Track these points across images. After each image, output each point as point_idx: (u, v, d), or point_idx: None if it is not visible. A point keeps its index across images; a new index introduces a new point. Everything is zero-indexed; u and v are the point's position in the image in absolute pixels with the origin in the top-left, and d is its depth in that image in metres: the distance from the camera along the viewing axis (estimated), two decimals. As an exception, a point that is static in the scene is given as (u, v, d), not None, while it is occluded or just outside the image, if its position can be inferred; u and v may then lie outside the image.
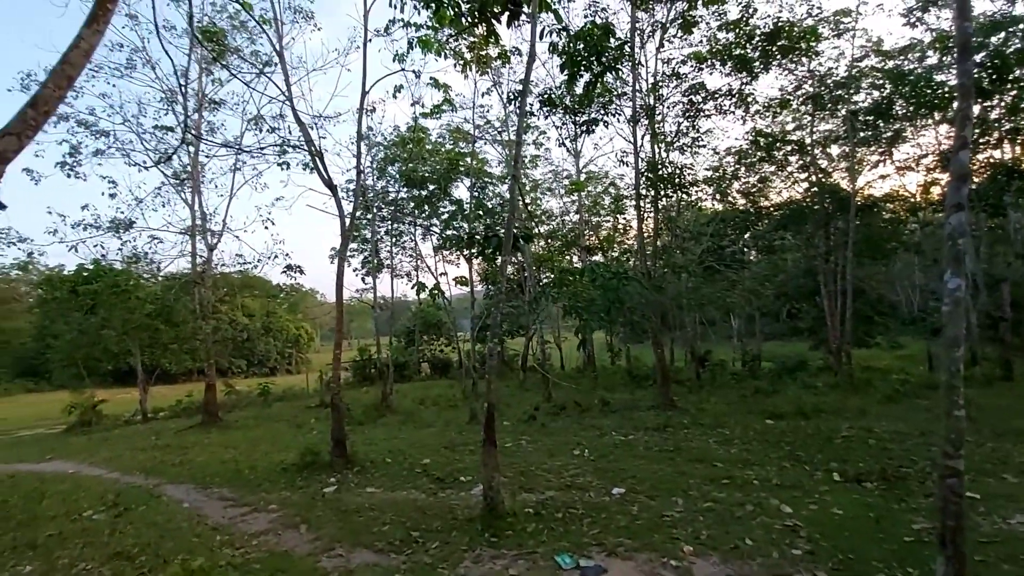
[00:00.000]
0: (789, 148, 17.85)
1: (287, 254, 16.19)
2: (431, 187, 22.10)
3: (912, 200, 19.50)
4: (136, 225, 15.52)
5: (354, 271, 27.91)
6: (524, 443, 10.19)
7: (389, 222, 24.05)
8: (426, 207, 23.80)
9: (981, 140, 15.88)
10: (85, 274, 16.86)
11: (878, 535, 5.26)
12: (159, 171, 15.43)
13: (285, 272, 15.05)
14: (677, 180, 12.51)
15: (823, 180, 17.55)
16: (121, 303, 16.33)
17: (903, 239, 20.89)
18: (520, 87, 10.62)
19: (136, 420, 17.47)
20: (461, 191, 27.04)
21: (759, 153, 19.44)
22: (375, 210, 22.81)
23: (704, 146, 13.30)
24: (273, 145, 11.62)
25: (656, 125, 12.33)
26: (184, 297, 15.88)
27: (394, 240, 26.65)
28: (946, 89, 13.48)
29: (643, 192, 12.69)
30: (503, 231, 6.68)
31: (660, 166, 12.46)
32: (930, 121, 18.03)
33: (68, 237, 14.58)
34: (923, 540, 5.10)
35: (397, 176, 21.58)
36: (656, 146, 12.59)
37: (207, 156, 16.27)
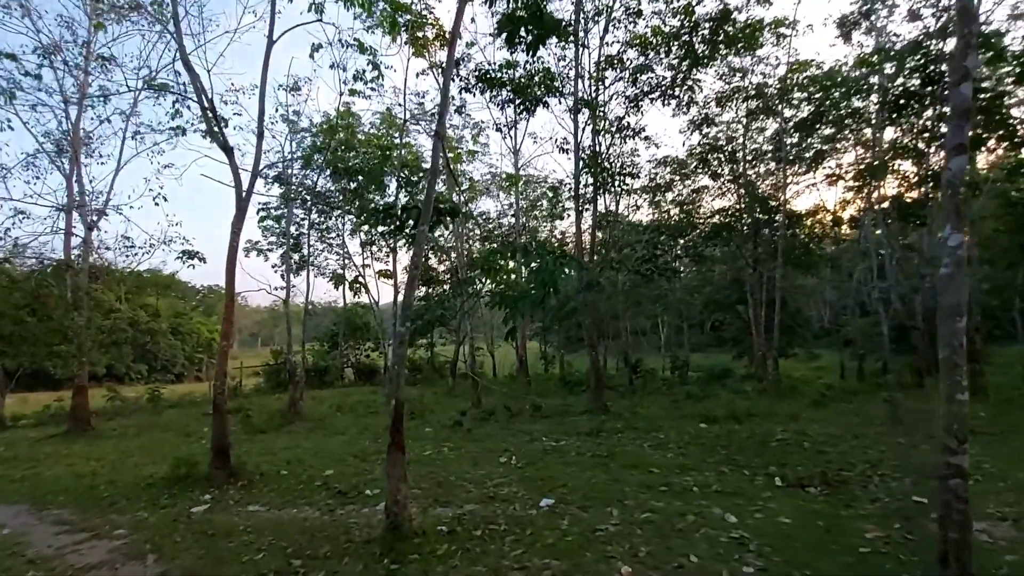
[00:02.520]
0: (723, 156, 18.09)
1: (185, 239, 14.11)
2: (360, 179, 20.65)
3: (832, 214, 20.37)
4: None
5: (273, 267, 25.72)
6: (446, 450, 9.15)
7: (314, 212, 22.28)
8: (356, 201, 22.26)
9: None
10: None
11: (831, 546, 4.70)
12: (31, 134, 13.15)
13: (180, 259, 13.11)
14: (618, 172, 12.05)
15: (754, 191, 17.89)
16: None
17: (821, 254, 21.78)
18: (457, 59, 9.85)
19: (-11, 428, 14.70)
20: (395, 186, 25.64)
21: (693, 162, 19.66)
22: (299, 202, 21.05)
23: (647, 137, 12.95)
24: (150, 88, 9.92)
25: (598, 115, 11.83)
26: (49, 284, 13.48)
27: (320, 236, 24.82)
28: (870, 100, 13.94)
29: (583, 184, 12.15)
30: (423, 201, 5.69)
31: (601, 158, 11.95)
32: (850, 140, 18.92)
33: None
34: (880, 551, 4.58)
35: (323, 165, 19.95)
36: (598, 137, 12.05)
37: (95, 116, 14.02)
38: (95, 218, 13.37)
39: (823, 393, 12.57)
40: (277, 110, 16.24)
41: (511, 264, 7.08)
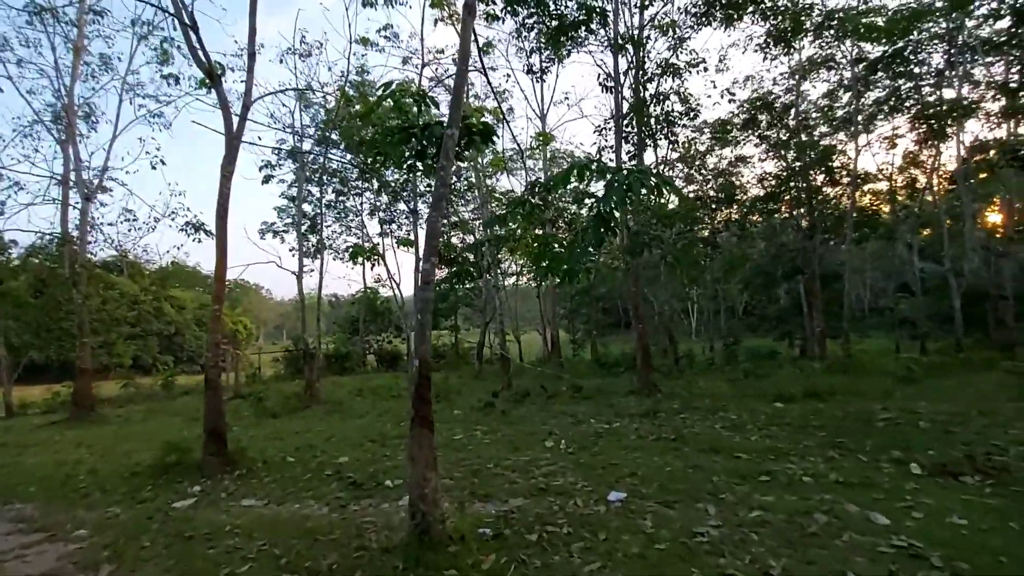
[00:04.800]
0: (772, 115, 16.28)
1: (189, 209, 13.06)
2: (376, 154, 19.38)
3: (903, 173, 18.33)
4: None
5: (291, 250, 24.72)
6: (479, 434, 7.84)
7: (330, 192, 21.22)
8: (372, 179, 21.09)
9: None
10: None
11: (1056, 561, 3.23)
12: (20, 95, 12.19)
13: (184, 231, 12.07)
14: (667, 117, 10.45)
15: (812, 149, 15.96)
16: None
17: (885, 221, 19.79)
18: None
19: (-3, 417, 13.99)
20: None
21: (738, 124, 17.82)
22: (314, 180, 20.04)
23: (704, 68, 11.18)
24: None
25: (643, 46, 10.18)
26: (53, 260, 12.55)
27: (337, 216, 23.76)
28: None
29: (626, 131, 10.56)
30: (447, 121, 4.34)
31: (648, 101, 10.34)
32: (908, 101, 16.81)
33: None
34: None
35: (337, 140, 18.77)
36: (642, 81, 10.39)
37: (93, 82, 13.04)
38: (92, 187, 12.36)
39: (909, 368, 10.88)
40: (282, 57, 14.74)
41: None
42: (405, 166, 5.77)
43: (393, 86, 5.47)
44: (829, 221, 17.20)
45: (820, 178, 16.86)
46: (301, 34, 15.90)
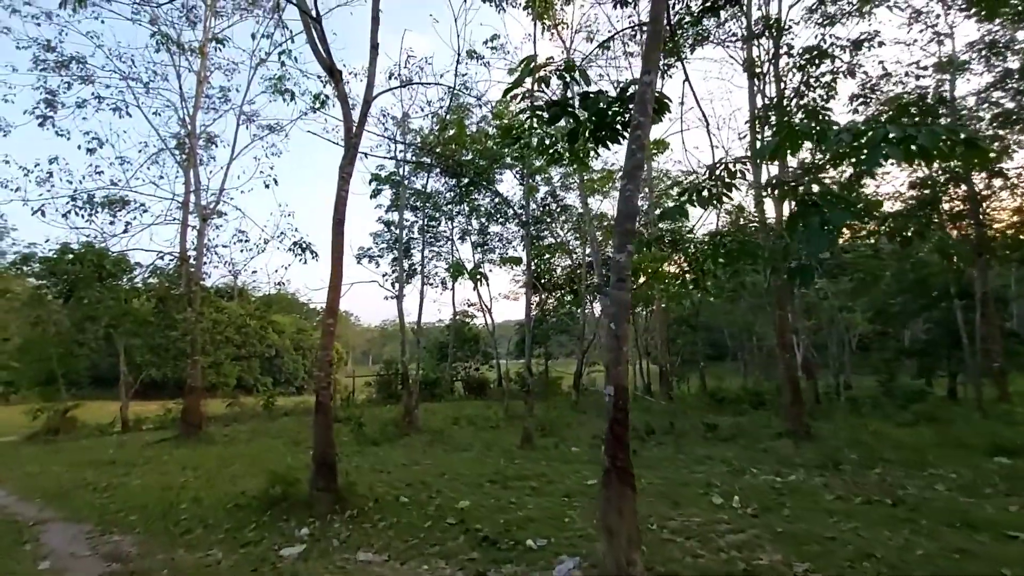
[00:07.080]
0: (924, 110, 13.93)
1: (296, 230, 13.18)
2: (472, 175, 19.16)
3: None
4: (120, 193, 12.86)
5: (384, 275, 25.06)
6: (615, 480, 6.53)
7: (422, 218, 21.17)
8: (465, 204, 20.90)
9: None
10: (70, 256, 14.25)
11: None
12: (147, 121, 12.87)
13: (292, 251, 12.03)
14: (819, 108, 8.90)
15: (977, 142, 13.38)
16: (106, 290, 13.66)
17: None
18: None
19: (114, 430, 14.55)
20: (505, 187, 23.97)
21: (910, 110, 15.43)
22: (407, 203, 20.09)
23: (879, 43, 9.37)
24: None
25: (784, 41, 8.73)
26: (174, 281, 13.02)
27: (429, 241, 23.72)
28: None
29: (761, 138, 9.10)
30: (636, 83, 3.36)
31: (794, 93, 8.84)
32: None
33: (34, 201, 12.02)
34: None
35: (433, 163, 18.76)
36: (783, 72, 8.89)
37: (211, 110, 13.69)
38: (210, 209, 12.73)
39: None
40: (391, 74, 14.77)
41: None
42: (547, 153, 4.79)
43: (532, 63, 4.56)
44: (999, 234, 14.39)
45: (984, 183, 14.22)
46: (406, 54, 15.82)
